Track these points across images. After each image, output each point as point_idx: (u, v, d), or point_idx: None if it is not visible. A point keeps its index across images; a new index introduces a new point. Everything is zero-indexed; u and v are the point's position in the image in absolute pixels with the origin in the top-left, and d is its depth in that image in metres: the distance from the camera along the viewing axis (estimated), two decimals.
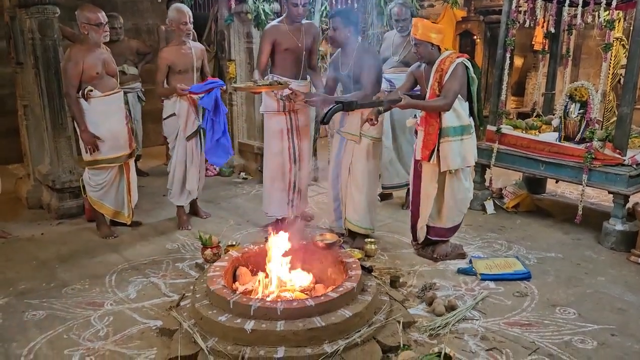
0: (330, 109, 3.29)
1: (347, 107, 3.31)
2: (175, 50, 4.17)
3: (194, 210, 4.68)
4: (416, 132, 3.65)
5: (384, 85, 4.28)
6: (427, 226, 3.74)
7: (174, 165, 4.34)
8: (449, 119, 3.43)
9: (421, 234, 3.79)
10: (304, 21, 4.05)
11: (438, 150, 3.48)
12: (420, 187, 3.69)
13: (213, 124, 4.18)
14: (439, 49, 3.48)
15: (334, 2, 5.47)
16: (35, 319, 3.02)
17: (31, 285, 3.43)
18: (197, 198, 4.62)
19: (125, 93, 5.33)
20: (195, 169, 4.36)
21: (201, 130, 4.32)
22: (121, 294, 3.30)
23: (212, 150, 4.25)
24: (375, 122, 3.50)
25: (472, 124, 3.55)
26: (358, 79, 3.72)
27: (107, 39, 4.07)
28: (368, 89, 3.68)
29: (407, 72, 3.79)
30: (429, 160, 3.52)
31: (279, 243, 3.05)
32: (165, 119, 4.30)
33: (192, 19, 4.16)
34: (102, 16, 3.91)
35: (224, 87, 4.46)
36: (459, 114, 3.45)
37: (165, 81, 4.19)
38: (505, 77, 4.67)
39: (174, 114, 4.21)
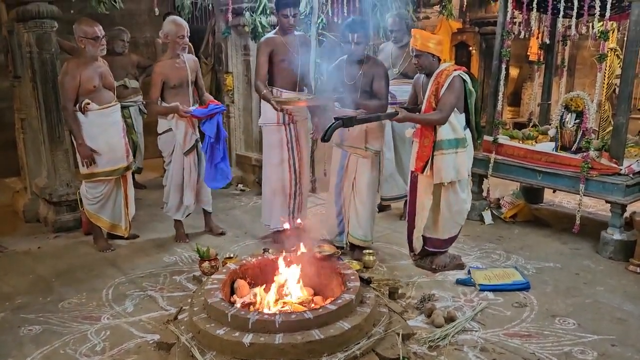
0: (330, 126, 3.28)
1: (347, 123, 3.31)
2: (170, 65, 4.08)
3: (209, 226, 4.58)
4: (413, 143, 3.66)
5: None
6: (424, 237, 3.74)
7: (170, 180, 4.30)
8: (444, 132, 3.44)
9: (417, 245, 3.78)
10: (296, 33, 4.07)
11: (432, 162, 3.48)
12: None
13: (212, 149, 4.15)
14: (439, 60, 3.50)
15: (330, 14, 5.50)
16: (31, 334, 2.99)
17: (27, 300, 3.40)
18: (210, 212, 4.56)
19: (127, 106, 5.41)
20: (192, 184, 4.32)
21: (198, 144, 4.30)
22: (118, 307, 3.28)
23: (210, 174, 4.21)
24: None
25: (468, 137, 3.56)
26: (366, 89, 3.72)
27: (104, 53, 4.06)
28: (384, 99, 3.72)
29: (412, 84, 3.81)
30: (422, 172, 3.53)
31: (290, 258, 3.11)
32: (160, 134, 4.25)
33: (189, 32, 4.12)
34: (99, 30, 3.91)
35: (225, 111, 4.44)
36: (454, 126, 3.45)
37: (159, 97, 4.13)
38: (501, 88, 4.69)
39: (170, 129, 4.17)
